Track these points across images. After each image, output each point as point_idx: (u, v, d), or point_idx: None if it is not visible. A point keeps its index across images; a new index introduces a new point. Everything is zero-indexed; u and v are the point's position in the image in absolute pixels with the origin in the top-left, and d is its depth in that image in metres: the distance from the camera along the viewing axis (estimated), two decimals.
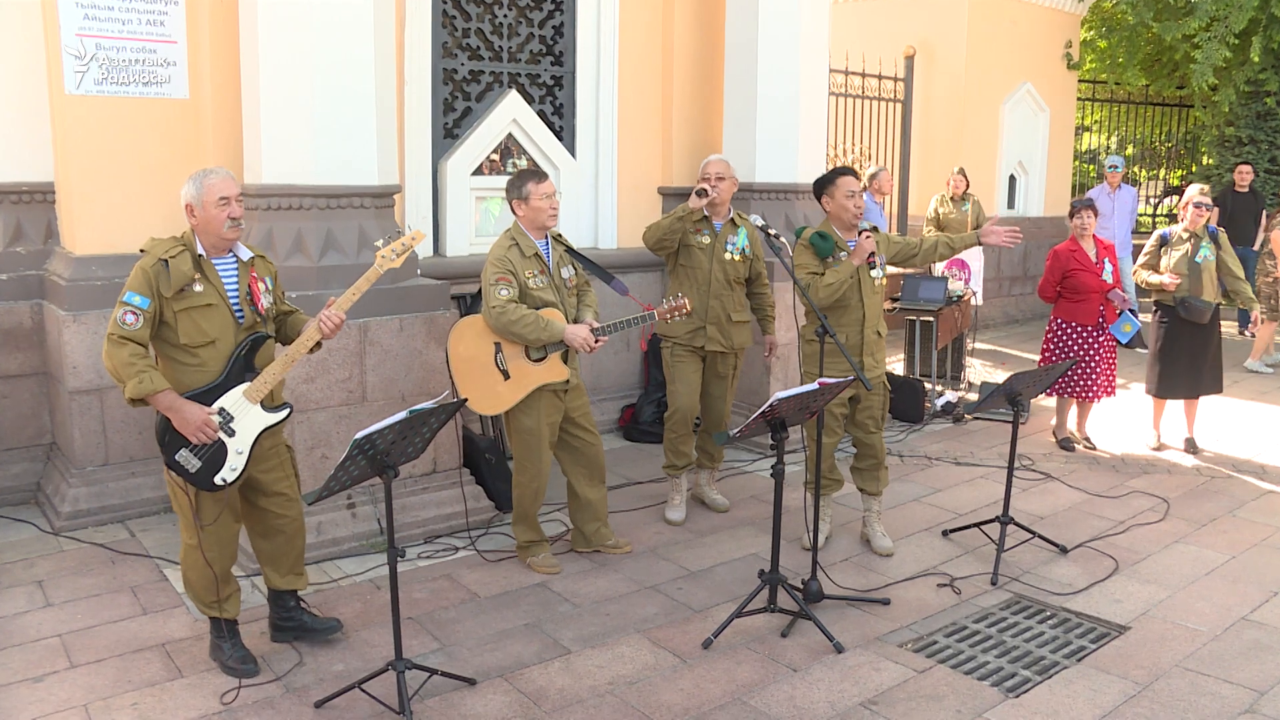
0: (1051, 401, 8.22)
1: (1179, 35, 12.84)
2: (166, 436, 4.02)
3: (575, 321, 5.28)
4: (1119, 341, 7.42)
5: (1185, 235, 7.41)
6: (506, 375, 5.15)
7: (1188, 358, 7.43)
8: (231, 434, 4.08)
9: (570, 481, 5.52)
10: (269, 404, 4.18)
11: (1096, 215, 7.45)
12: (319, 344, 4.31)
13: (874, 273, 5.49)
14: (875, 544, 5.67)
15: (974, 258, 9.75)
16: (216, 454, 4.06)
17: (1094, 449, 7.65)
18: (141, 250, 4.07)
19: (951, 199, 10.97)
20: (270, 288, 4.31)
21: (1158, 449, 7.66)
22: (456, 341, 5.18)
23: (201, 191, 4.03)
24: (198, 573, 4.21)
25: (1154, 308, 7.58)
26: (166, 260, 3.97)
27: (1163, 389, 7.54)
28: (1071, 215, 7.44)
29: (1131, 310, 7.38)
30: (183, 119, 5.97)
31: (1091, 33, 15.16)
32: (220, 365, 4.08)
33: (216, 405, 4.04)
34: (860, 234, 5.39)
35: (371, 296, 5.52)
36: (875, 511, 5.76)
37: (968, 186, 11.17)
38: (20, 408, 6.28)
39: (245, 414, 4.10)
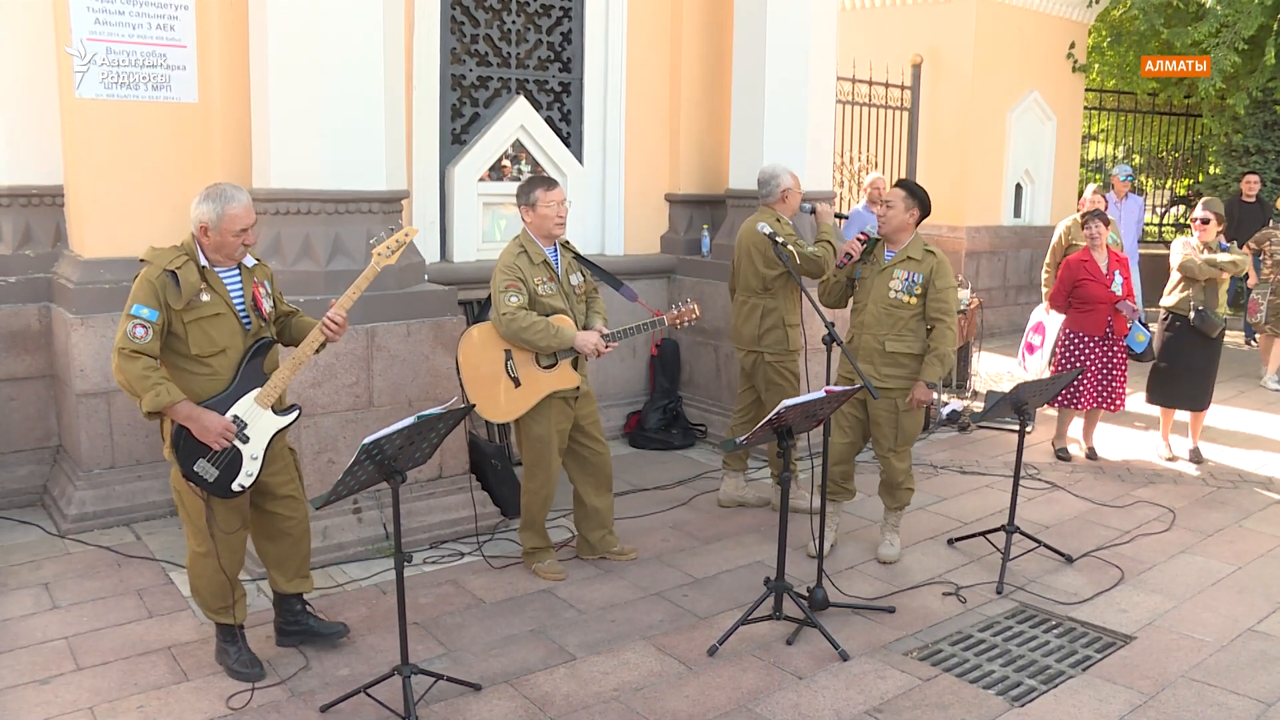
0: (1053, 411, 8.20)
1: (1189, 41, 12.83)
2: (182, 448, 4.02)
3: (585, 328, 5.28)
4: (1134, 352, 7.41)
5: (1200, 248, 7.45)
6: (517, 383, 5.15)
7: (1192, 369, 7.44)
8: (246, 440, 4.09)
9: (577, 490, 5.52)
10: (278, 407, 4.20)
11: (1108, 225, 7.47)
12: (323, 345, 4.33)
13: (892, 284, 5.44)
14: (879, 550, 5.67)
15: (1052, 324, 8.92)
16: (233, 461, 4.08)
17: (1096, 459, 7.64)
18: (142, 260, 4.06)
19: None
20: (270, 291, 4.33)
21: (1170, 459, 7.64)
22: (467, 349, 5.18)
23: (221, 219, 4.02)
24: (207, 580, 4.22)
25: (1164, 317, 7.59)
26: (174, 272, 3.97)
27: (1165, 397, 7.54)
28: (1083, 225, 7.46)
29: (1141, 321, 7.37)
30: (192, 123, 5.98)
31: (1101, 39, 15.15)
32: (230, 373, 4.09)
33: (230, 413, 4.05)
34: (857, 237, 5.48)
35: (379, 301, 5.54)
36: (890, 523, 5.75)
37: (1106, 208, 9.35)
38: (27, 410, 6.29)
39: (257, 419, 4.12)
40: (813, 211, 6.24)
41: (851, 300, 5.71)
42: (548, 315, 5.11)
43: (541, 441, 5.25)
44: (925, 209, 5.50)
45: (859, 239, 5.46)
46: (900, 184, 5.54)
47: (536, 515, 5.38)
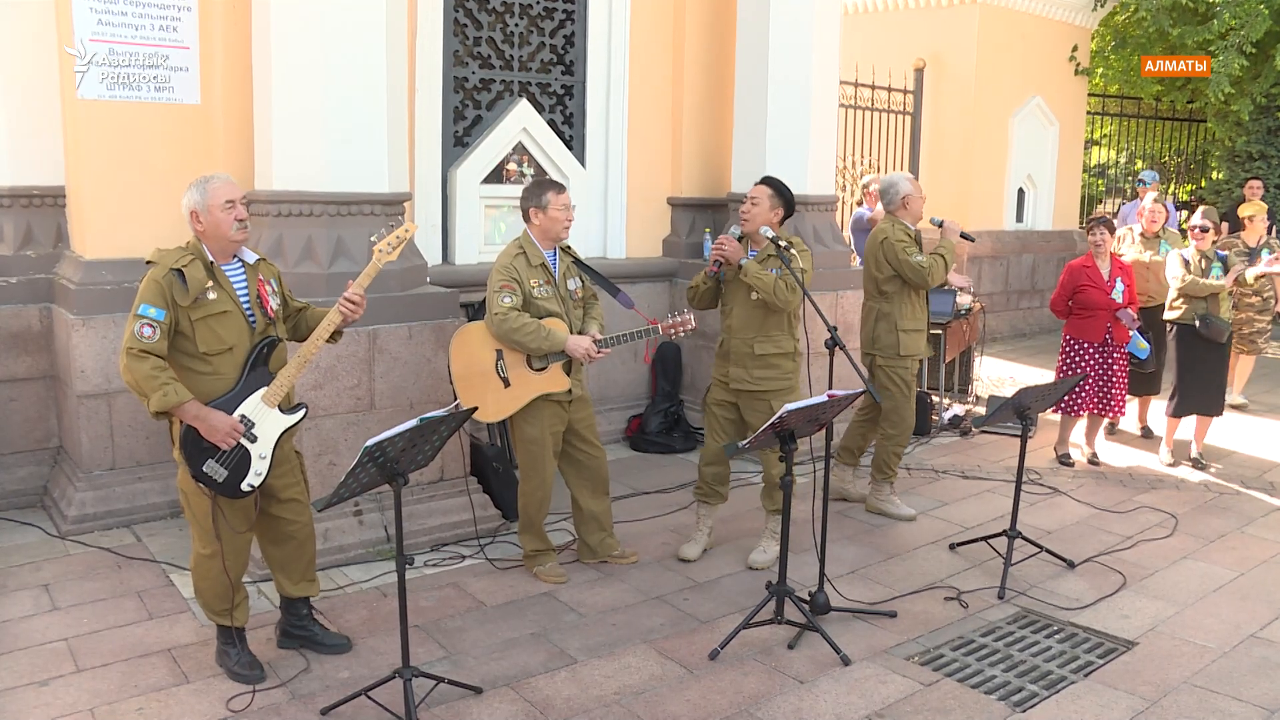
0: (1056, 416, 8.20)
1: (1198, 41, 12.82)
2: (190, 449, 4.01)
3: (580, 333, 5.27)
4: (1137, 359, 7.40)
5: (1197, 257, 7.47)
6: (507, 383, 5.14)
7: (1204, 377, 7.44)
8: (254, 440, 4.08)
9: (573, 494, 5.51)
10: (285, 406, 4.19)
11: (1112, 233, 7.46)
12: (338, 334, 4.32)
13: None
14: (751, 556, 5.64)
15: None
16: (241, 461, 4.07)
17: (1098, 464, 7.63)
18: (149, 261, 4.05)
19: (1144, 236, 8.32)
20: (276, 289, 4.32)
21: (1173, 465, 7.63)
22: (459, 347, 5.18)
23: (206, 196, 4.02)
24: (210, 581, 4.21)
25: (1171, 330, 7.59)
26: (180, 270, 3.97)
27: (1180, 408, 7.54)
28: (1088, 232, 7.45)
29: (1141, 330, 7.37)
30: (194, 124, 5.98)
31: (1104, 43, 15.15)
32: (236, 372, 4.08)
33: (237, 412, 4.05)
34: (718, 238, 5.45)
35: (380, 304, 5.54)
36: (770, 529, 5.70)
37: (1166, 219, 8.47)
38: (28, 411, 6.28)
39: (265, 418, 4.11)
40: (940, 225, 6.36)
41: (721, 304, 5.65)
42: (542, 318, 5.11)
43: (535, 444, 5.25)
44: (790, 208, 5.49)
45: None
46: (766, 181, 5.50)
47: (534, 517, 5.37)
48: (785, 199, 5.45)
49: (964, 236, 6.38)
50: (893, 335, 6.23)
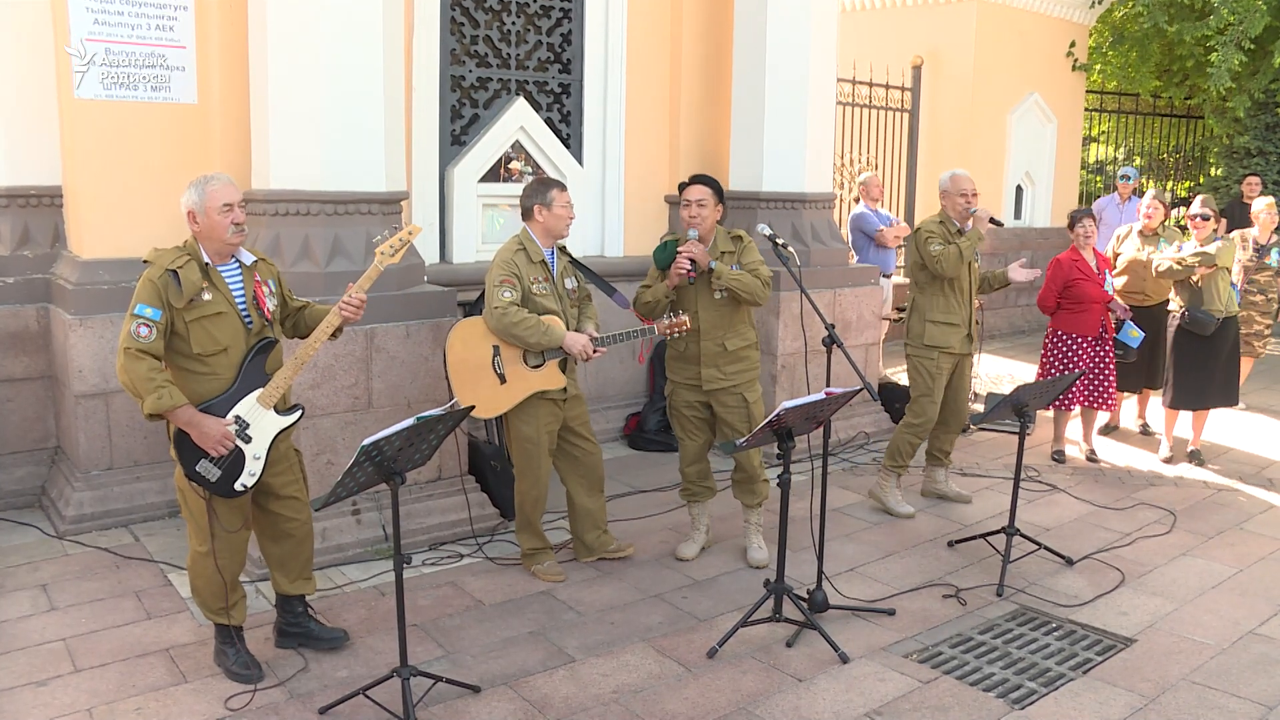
0: (1050, 413, 8.19)
1: (1196, 36, 12.81)
2: (184, 448, 4.02)
3: (576, 331, 5.27)
4: (1131, 347, 7.39)
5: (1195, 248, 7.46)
6: (503, 379, 5.14)
7: (1196, 369, 7.44)
8: (248, 440, 4.08)
9: (569, 491, 5.51)
10: (281, 407, 4.19)
11: (1098, 224, 7.46)
12: (338, 331, 4.31)
13: (715, 283, 5.38)
14: (750, 556, 5.65)
15: None
16: (235, 461, 4.07)
17: (1096, 461, 7.62)
18: (145, 261, 4.06)
19: (1142, 233, 8.12)
20: (274, 290, 4.31)
21: (1169, 460, 7.63)
22: (456, 342, 5.18)
23: (204, 198, 4.02)
24: (206, 579, 4.21)
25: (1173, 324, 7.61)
26: (175, 271, 3.97)
27: (1175, 400, 7.55)
28: (1072, 225, 7.43)
29: (1132, 319, 7.37)
30: (190, 124, 5.97)
31: (1101, 39, 15.14)
32: (232, 373, 4.08)
33: (231, 414, 4.04)
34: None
35: (378, 303, 5.53)
36: (754, 523, 5.72)
37: (1166, 216, 8.28)
38: (25, 411, 6.28)
39: (260, 419, 4.11)
40: (974, 214, 6.45)
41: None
42: (540, 315, 5.10)
43: (530, 442, 5.25)
44: (723, 201, 5.52)
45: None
46: (703, 180, 5.43)
47: (530, 516, 5.37)
48: (721, 195, 5.49)
49: (993, 221, 6.45)
50: (920, 325, 6.34)
